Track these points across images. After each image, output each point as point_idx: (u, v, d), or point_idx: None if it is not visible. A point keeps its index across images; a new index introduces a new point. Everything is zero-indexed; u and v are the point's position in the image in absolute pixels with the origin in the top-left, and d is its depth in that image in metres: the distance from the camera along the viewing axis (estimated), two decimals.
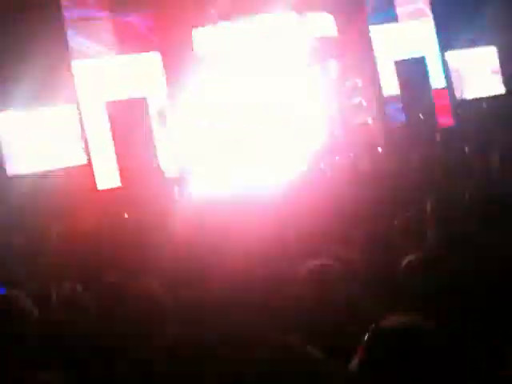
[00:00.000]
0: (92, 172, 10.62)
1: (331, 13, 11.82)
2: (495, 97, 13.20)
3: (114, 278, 3.62)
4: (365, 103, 12.28)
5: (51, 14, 10.25)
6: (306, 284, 2.64)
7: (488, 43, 13.38)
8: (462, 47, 13.26)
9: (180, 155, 11.03)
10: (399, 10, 12.82)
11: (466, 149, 7.08)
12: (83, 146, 10.66)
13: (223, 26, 11.25)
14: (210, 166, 11.05)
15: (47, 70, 9.79)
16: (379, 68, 12.48)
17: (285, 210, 5.07)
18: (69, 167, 10.53)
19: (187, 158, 11.02)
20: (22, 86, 9.74)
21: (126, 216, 7.62)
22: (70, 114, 10.71)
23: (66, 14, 10.64)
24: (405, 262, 2.64)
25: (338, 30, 11.83)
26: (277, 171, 10.11)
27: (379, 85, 12.44)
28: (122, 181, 10.64)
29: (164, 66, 11.15)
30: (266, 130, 11.55)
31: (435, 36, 12.98)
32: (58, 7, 10.51)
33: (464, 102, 13.05)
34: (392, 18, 12.72)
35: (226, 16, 11.21)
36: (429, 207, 3.43)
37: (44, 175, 10.15)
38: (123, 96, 10.87)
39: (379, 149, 9.49)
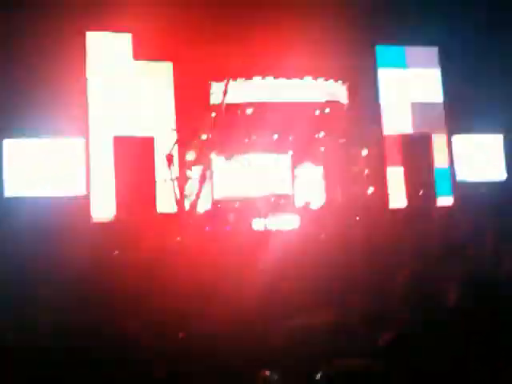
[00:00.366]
0: (89, 204, 10.70)
1: (343, 81, 12.20)
2: (496, 183, 13.38)
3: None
4: (366, 172, 12.45)
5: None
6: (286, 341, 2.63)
7: (495, 131, 13.69)
8: (469, 132, 13.56)
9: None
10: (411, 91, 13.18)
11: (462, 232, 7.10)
12: (85, 177, 10.79)
13: (240, 82, 11.60)
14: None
15: (63, 102, 10.07)
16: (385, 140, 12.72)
17: (277, 263, 5.06)
18: (67, 196, 10.63)
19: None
20: (36, 114, 10.01)
21: (116, 252, 7.56)
22: (78, 145, 10.91)
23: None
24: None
25: (349, 98, 12.15)
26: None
27: (383, 156, 12.63)
28: (116, 215, 10.67)
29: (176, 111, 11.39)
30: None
31: (443, 118, 13.27)
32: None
33: (465, 184, 13.20)
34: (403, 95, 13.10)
35: (243, 73, 11.57)
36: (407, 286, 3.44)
37: (42, 200, 10.26)
38: (132, 133, 11.09)
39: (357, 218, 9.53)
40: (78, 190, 10.78)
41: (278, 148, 11.85)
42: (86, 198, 10.79)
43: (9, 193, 10.42)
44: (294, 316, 3.05)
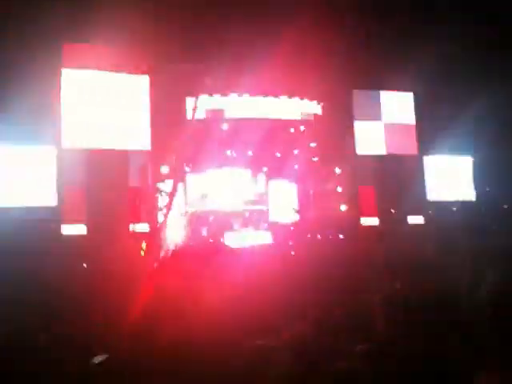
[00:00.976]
0: (59, 215, 10.55)
1: (320, 101, 12.36)
2: (465, 202, 13.65)
3: None
4: (340, 190, 12.56)
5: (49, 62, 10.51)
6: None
7: (466, 153, 14.02)
8: (440, 153, 13.85)
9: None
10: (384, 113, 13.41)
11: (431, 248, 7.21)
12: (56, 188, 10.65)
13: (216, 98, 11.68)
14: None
15: (36, 111, 9.95)
16: (357, 159, 12.88)
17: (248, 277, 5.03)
18: (37, 207, 10.47)
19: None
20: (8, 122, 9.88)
21: (84, 265, 7.47)
22: (50, 155, 10.78)
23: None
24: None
25: (324, 117, 12.32)
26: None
27: (355, 175, 12.77)
28: (87, 229, 10.52)
29: (151, 125, 11.34)
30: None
31: (415, 140, 13.52)
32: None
33: (435, 203, 13.42)
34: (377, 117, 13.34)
35: (220, 89, 11.64)
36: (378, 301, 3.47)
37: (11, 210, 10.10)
38: (106, 146, 10.98)
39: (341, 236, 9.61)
40: (48, 201, 10.60)
41: (252, 164, 11.88)
42: (57, 208, 10.62)
43: None
44: (260, 334, 3.03)
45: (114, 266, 6.79)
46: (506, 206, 13.59)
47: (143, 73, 11.31)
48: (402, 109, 13.67)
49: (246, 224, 11.01)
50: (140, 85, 11.39)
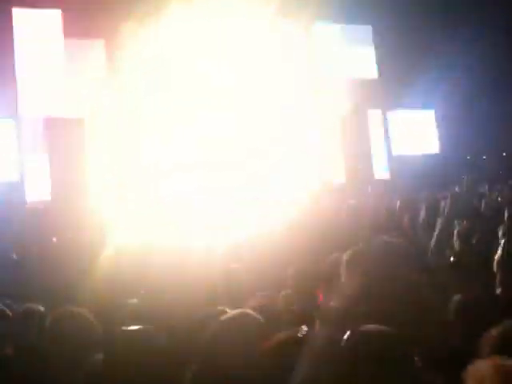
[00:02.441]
0: (23, 188, 10.34)
1: None
2: (429, 155, 13.87)
3: None
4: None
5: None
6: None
7: (428, 107, 14.15)
8: (403, 108, 13.93)
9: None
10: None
11: (398, 202, 7.28)
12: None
13: None
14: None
15: None
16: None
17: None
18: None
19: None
20: None
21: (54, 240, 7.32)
22: (8, 127, 10.47)
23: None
24: None
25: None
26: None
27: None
28: (51, 200, 10.33)
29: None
30: None
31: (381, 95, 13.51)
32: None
33: (400, 157, 13.59)
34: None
35: None
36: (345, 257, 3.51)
37: None
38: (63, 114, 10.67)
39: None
40: (11, 175, 10.36)
41: None
42: (20, 182, 10.39)
43: None
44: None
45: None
46: (468, 157, 13.89)
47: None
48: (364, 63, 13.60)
49: None
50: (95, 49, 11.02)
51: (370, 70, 13.68)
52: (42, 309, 3.00)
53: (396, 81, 12.98)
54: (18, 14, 10.64)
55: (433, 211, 5.85)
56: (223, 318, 2.23)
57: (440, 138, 14.31)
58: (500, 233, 4.17)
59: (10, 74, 10.34)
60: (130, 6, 10.14)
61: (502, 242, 3.61)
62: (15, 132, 10.50)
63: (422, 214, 6.05)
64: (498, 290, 3.37)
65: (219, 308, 2.58)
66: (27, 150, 10.50)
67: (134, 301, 3.25)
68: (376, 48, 13.64)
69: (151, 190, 10.64)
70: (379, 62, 13.62)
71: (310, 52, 13.02)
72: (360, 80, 13.29)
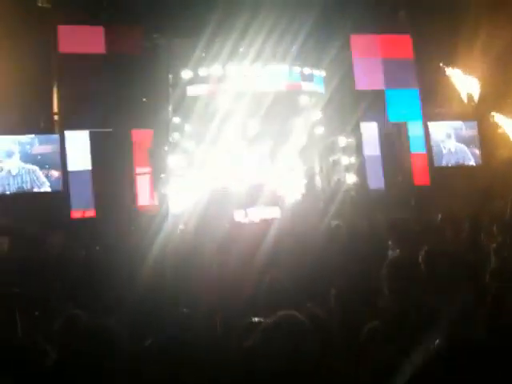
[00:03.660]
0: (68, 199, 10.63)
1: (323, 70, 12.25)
2: (469, 166, 13.65)
3: None
4: (345, 161, 12.52)
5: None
6: None
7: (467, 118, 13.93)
8: (443, 119, 13.76)
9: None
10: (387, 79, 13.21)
11: (440, 215, 7.18)
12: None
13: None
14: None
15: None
16: (362, 129, 12.78)
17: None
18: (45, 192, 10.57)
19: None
20: None
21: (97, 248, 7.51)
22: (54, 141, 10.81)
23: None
24: None
25: (326, 88, 12.22)
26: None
27: (361, 144, 12.71)
28: (96, 211, 10.59)
29: None
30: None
31: (419, 106, 13.37)
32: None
33: (441, 168, 13.41)
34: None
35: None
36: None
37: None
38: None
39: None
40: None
41: (255, 137, 11.80)
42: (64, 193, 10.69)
43: None
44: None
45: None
46: None
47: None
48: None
49: (253, 201, 10.91)
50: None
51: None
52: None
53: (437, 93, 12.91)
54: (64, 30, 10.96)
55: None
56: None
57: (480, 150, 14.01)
58: None
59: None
60: None
61: None
62: (60, 145, 10.82)
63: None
64: None
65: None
66: (72, 161, 10.81)
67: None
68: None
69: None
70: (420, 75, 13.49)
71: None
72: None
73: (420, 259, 3.84)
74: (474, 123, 13.98)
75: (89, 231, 9.15)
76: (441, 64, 13.16)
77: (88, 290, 4.62)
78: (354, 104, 12.56)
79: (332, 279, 4.09)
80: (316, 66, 12.25)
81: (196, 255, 4.82)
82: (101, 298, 4.20)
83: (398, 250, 5.05)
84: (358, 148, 12.67)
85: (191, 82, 11.43)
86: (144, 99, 11.07)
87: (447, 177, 12.72)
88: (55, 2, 10.80)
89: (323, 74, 12.41)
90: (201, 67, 11.43)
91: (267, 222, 8.46)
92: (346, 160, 12.58)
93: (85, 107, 10.60)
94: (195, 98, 11.31)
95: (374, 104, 12.81)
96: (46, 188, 10.63)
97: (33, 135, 10.72)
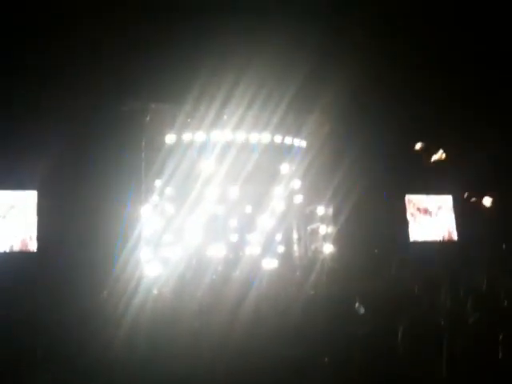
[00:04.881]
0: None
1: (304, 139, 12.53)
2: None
3: None
4: (323, 230, 12.57)
5: None
6: None
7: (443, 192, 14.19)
8: (420, 192, 13.99)
9: None
10: None
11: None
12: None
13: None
14: None
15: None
16: (342, 197, 12.91)
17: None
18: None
19: None
20: None
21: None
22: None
23: None
24: None
25: (307, 156, 12.46)
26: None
27: (340, 214, 12.79)
28: None
29: None
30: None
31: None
32: None
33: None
34: None
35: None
36: None
37: None
38: None
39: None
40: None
41: (236, 203, 11.87)
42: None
43: None
44: None
45: None
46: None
47: None
48: None
49: (232, 268, 10.77)
50: None
51: None
52: None
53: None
54: None
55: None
56: None
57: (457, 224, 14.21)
58: None
59: None
60: None
61: None
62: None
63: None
64: None
65: None
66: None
67: None
68: None
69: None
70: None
71: None
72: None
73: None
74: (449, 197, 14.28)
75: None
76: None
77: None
78: (331, 173, 12.76)
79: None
80: (296, 135, 12.52)
81: (175, 316, 4.73)
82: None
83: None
84: (336, 217, 12.76)
85: (173, 146, 11.56)
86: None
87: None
88: None
89: (303, 143, 12.67)
90: (184, 132, 11.60)
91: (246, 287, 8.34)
92: (324, 229, 12.64)
93: None
94: (175, 161, 11.40)
95: None
96: None
97: None
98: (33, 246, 10.44)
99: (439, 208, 14.24)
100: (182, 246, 11.12)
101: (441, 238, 13.91)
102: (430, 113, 12.59)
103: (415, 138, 13.32)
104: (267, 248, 11.80)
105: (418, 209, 13.97)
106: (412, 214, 13.80)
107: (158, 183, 11.46)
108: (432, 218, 14.04)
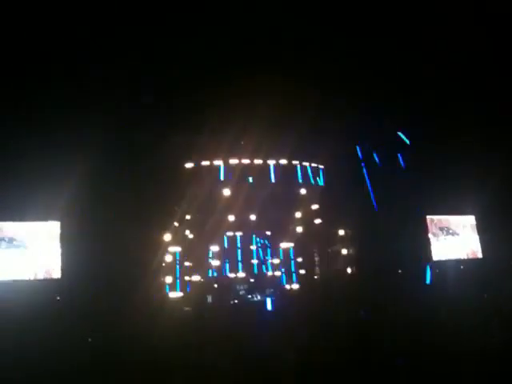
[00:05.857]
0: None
1: (323, 164, 12.56)
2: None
3: None
4: (344, 252, 12.51)
5: None
6: None
7: (467, 212, 14.08)
8: (442, 213, 13.88)
9: None
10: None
11: None
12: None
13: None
14: None
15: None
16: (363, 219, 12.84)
17: None
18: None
19: None
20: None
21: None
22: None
23: None
24: None
25: (326, 181, 12.47)
26: None
27: (361, 236, 12.73)
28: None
29: None
30: None
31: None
32: None
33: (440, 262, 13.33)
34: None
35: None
36: None
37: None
38: None
39: None
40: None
41: (256, 227, 11.90)
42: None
43: None
44: None
45: None
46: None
47: None
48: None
49: (251, 291, 10.83)
50: None
51: None
52: None
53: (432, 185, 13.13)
54: None
55: None
56: None
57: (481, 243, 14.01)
58: None
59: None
60: None
61: None
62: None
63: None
64: None
65: None
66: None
67: None
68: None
69: None
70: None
71: None
72: None
73: None
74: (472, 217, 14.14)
75: None
76: None
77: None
78: (351, 196, 12.74)
79: None
80: (315, 160, 12.57)
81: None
82: None
83: None
84: (354, 239, 12.71)
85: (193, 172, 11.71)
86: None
87: None
88: None
89: (322, 167, 12.71)
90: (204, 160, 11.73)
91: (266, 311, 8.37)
92: (344, 251, 12.59)
93: None
94: (196, 188, 11.53)
95: None
96: None
97: None
98: (56, 274, 10.56)
99: (463, 227, 14.12)
100: (204, 270, 11.17)
101: (465, 256, 13.72)
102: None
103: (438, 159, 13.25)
104: (288, 271, 11.78)
105: (441, 228, 13.85)
106: (434, 234, 13.67)
107: (178, 210, 11.58)
108: (454, 238, 13.89)
